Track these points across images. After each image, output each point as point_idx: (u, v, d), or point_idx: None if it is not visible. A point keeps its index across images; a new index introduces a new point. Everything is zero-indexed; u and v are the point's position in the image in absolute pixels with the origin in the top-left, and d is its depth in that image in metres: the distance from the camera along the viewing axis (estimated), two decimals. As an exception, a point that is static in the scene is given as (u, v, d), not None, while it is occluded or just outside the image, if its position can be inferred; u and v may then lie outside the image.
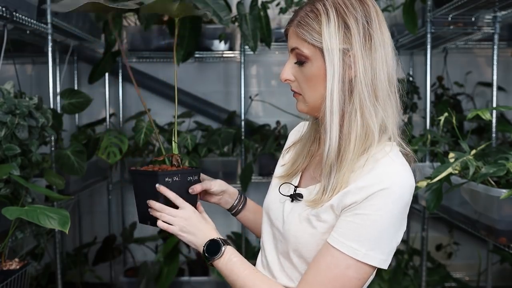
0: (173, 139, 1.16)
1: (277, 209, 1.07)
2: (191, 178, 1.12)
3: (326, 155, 0.96)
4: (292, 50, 0.99)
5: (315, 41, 0.94)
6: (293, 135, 1.21)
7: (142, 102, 1.17)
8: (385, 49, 0.96)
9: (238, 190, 1.25)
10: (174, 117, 1.20)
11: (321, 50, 0.94)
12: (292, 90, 1.03)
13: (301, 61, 0.98)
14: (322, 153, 0.98)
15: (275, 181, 1.14)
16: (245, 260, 1.03)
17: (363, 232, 0.91)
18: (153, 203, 1.07)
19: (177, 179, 1.08)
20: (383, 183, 0.90)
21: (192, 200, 1.12)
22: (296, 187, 1.07)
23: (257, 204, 1.28)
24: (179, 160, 1.15)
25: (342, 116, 0.95)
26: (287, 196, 1.06)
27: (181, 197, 1.09)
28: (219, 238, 1.04)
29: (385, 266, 0.93)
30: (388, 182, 0.90)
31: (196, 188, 1.12)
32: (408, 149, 1.01)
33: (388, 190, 0.90)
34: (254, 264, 1.10)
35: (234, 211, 1.24)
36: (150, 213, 1.08)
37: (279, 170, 1.17)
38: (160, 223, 1.06)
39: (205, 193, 1.19)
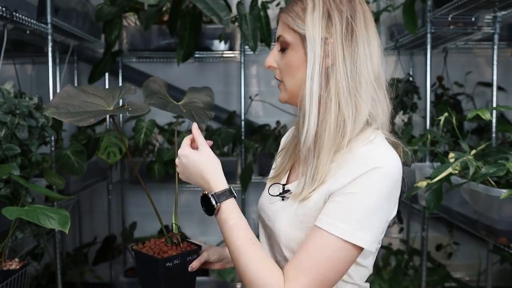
0: (173, 220, 1.17)
1: (268, 209, 1.08)
2: (190, 257, 1.14)
3: (304, 139, 0.98)
4: (278, 38, 1.03)
5: (298, 27, 0.98)
6: (284, 140, 1.23)
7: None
8: (370, 47, 0.99)
9: None
10: (175, 188, 1.17)
11: (303, 37, 0.98)
12: (276, 79, 1.06)
13: (283, 48, 1.02)
14: (299, 138, 0.99)
15: (267, 184, 1.16)
16: (241, 224, 0.98)
17: (351, 212, 0.90)
18: None
19: (177, 261, 1.11)
20: (368, 164, 0.91)
21: (193, 275, 1.15)
22: (284, 185, 1.08)
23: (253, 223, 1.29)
24: (179, 239, 1.16)
25: (319, 103, 0.97)
26: (276, 195, 1.06)
27: (181, 277, 1.10)
28: (214, 193, 0.99)
29: (373, 248, 0.92)
30: (373, 163, 0.91)
31: (194, 265, 1.12)
32: (396, 140, 1.01)
33: (374, 170, 0.91)
34: None
35: None
36: None
37: (271, 173, 1.19)
38: None
39: (207, 263, 1.18)
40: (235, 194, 1.01)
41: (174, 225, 1.18)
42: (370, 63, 0.98)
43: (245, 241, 0.96)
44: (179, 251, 1.13)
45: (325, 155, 0.96)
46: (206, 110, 1.14)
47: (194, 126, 1.06)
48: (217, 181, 1.00)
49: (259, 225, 1.14)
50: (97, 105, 1.03)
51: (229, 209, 0.98)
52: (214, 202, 0.98)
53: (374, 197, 0.91)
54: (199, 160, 1.03)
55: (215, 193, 0.99)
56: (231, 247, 0.97)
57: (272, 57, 1.05)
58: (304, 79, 0.98)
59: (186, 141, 1.05)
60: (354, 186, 0.91)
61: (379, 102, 0.99)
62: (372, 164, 0.91)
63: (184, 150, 1.04)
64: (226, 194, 0.99)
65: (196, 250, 1.16)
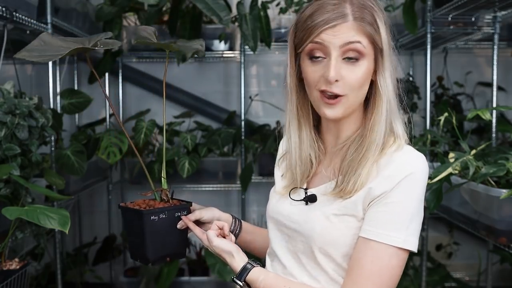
0: (162, 175, 1.14)
1: (290, 211, 1.06)
2: (179, 213, 1.10)
3: (366, 148, 0.99)
4: (346, 45, 0.93)
5: (377, 37, 0.96)
6: (284, 144, 1.18)
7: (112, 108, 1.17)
8: (394, 52, 1.03)
9: (232, 214, 1.22)
10: (163, 151, 1.19)
11: (376, 48, 0.97)
12: (333, 93, 0.95)
13: (356, 58, 0.94)
14: (364, 145, 1.00)
15: (281, 192, 1.12)
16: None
17: (397, 219, 0.93)
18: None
19: (164, 216, 1.07)
20: (407, 169, 0.94)
21: (179, 233, 1.11)
22: (305, 189, 1.06)
23: (253, 224, 1.29)
24: (168, 195, 1.13)
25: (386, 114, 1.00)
26: (300, 200, 1.05)
27: (170, 233, 1.09)
28: (235, 276, 1.04)
29: (416, 249, 0.96)
30: (411, 168, 0.94)
31: (183, 223, 1.11)
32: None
33: (413, 175, 0.94)
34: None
35: None
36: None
37: (280, 183, 1.14)
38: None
39: (199, 223, 1.14)
40: (254, 264, 1.03)
41: (163, 179, 1.13)
42: (395, 68, 1.02)
43: None
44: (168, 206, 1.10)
45: (370, 162, 0.98)
46: (195, 47, 1.14)
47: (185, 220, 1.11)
48: (234, 264, 1.04)
49: (271, 228, 1.11)
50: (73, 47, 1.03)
51: (253, 279, 1.02)
52: (239, 282, 1.02)
53: (414, 202, 0.95)
54: (217, 252, 1.07)
55: (235, 276, 1.03)
56: None
57: (338, 68, 0.94)
58: (365, 93, 0.99)
59: (212, 233, 1.08)
60: (396, 194, 0.94)
61: (396, 105, 1.02)
62: (409, 169, 0.94)
63: (211, 243, 1.08)
64: (246, 270, 1.02)
65: (186, 206, 1.12)
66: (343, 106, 0.97)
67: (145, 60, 3.08)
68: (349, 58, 0.94)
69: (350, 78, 0.95)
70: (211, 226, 1.10)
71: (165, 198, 1.13)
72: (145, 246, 1.06)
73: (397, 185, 0.93)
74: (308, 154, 1.07)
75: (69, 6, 2.27)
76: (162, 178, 1.14)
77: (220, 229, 1.10)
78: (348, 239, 0.97)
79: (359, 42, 0.93)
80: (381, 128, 0.99)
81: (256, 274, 1.02)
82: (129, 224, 1.11)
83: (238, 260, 1.04)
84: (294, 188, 1.08)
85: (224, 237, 1.09)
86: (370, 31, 0.94)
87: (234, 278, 1.03)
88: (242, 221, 1.23)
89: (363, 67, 0.95)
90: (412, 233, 0.94)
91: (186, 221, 1.10)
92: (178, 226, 1.10)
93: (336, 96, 0.96)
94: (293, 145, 1.09)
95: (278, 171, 1.17)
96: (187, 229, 1.12)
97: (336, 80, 0.94)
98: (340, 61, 0.94)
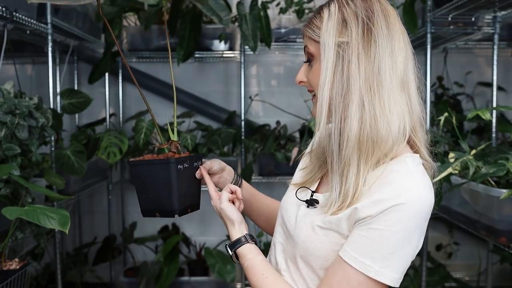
0: (170, 127, 1.13)
1: (292, 212, 1.06)
2: (197, 164, 1.11)
3: (316, 148, 0.97)
4: (304, 49, 1.02)
5: (317, 36, 0.96)
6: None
7: (145, 101, 1.17)
8: (393, 46, 0.93)
9: (234, 170, 1.23)
10: (174, 100, 1.20)
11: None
12: (309, 91, 1.04)
13: (309, 60, 1.01)
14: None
15: (292, 187, 1.12)
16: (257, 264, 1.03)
17: (377, 248, 0.87)
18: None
19: (187, 165, 1.06)
20: (399, 198, 0.87)
21: (197, 184, 1.13)
22: (313, 192, 1.05)
23: (254, 224, 1.28)
24: (179, 147, 1.11)
25: (341, 111, 0.92)
26: (303, 201, 1.04)
27: (190, 183, 1.10)
28: (228, 244, 1.07)
29: (397, 284, 0.90)
30: (405, 197, 0.87)
31: (200, 172, 1.13)
32: (429, 160, 0.98)
33: (404, 206, 0.86)
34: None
35: None
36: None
37: (297, 174, 1.15)
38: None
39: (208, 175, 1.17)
40: (249, 240, 1.06)
41: (169, 131, 1.11)
42: (391, 62, 0.92)
43: (259, 278, 1.00)
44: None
45: (355, 174, 0.91)
46: None
47: (203, 171, 1.12)
48: (232, 233, 1.08)
49: (278, 222, 1.12)
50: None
51: (242, 254, 1.05)
52: (229, 250, 1.06)
53: (401, 234, 0.87)
54: (221, 214, 1.10)
55: (228, 244, 1.07)
56: (251, 285, 1.03)
57: (303, 71, 1.03)
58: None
59: (226, 194, 1.09)
60: (382, 221, 0.87)
61: (399, 107, 0.93)
62: (403, 198, 0.86)
63: (220, 204, 1.09)
64: (240, 242, 1.05)
65: (201, 156, 1.13)
66: (316, 104, 1.00)
67: (145, 60, 3.08)
68: (305, 61, 1.03)
69: (309, 79, 1.01)
70: (225, 187, 1.11)
71: (175, 150, 1.11)
72: (172, 197, 1.04)
73: (383, 212, 0.86)
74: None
75: (69, 6, 2.27)
76: (170, 129, 1.12)
77: (232, 192, 1.11)
78: (329, 253, 0.95)
79: (306, 46, 1.00)
80: (321, 125, 0.94)
81: (246, 250, 1.04)
82: (148, 177, 1.06)
83: (237, 230, 1.07)
84: (303, 187, 1.07)
85: (234, 202, 1.11)
86: (310, 34, 0.98)
87: (226, 245, 1.07)
88: (243, 180, 1.23)
89: (316, 67, 0.99)
90: (389, 265, 0.87)
91: (204, 172, 1.13)
92: (197, 175, 1.12)
93: (314, 95, 1.01)
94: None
95: (302, 163, 1.17)
96: (200, 180, 1.14)
97: (300, 82, 1.03)
98: (305, 64, 1.03)
